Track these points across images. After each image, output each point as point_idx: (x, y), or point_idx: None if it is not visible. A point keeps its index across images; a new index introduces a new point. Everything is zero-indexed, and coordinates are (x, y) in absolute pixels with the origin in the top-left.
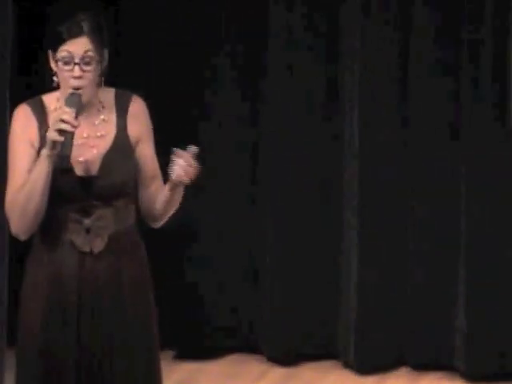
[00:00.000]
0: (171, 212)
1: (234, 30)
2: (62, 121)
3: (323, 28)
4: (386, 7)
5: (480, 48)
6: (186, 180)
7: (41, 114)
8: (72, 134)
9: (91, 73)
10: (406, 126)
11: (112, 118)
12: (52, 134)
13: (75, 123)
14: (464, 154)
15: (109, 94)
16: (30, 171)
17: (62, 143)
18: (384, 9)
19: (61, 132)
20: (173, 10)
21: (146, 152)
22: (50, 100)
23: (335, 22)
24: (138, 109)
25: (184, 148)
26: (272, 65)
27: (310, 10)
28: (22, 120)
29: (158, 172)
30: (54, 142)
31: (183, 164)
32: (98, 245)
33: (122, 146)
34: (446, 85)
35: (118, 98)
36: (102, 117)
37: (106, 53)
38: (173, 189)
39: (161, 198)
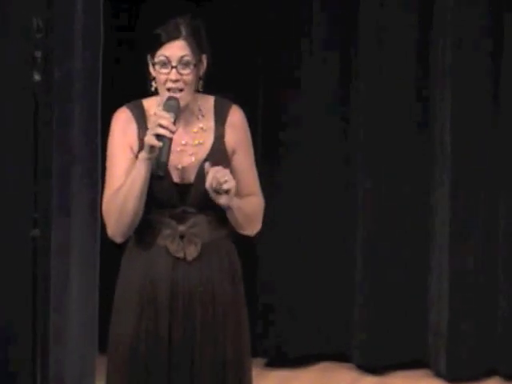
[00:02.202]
0: (244, 224)
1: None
2: (160, 126)
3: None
4: None
5: None
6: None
7: (141, 117)
8: (170, 139)
9: (189, 76)
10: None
11: (210, 126)
12: (150, 139)
13: (173, 129)
14: None
15: (208, 102)
16: (127, 174)
17: (160, 149)
18: None
19: (159, 137)
20: None
21: (242, 163)
22: (150, 104)
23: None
24: (236, 118)
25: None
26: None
27: None
28: (122, 123)
29: (254, 183)
30: (152, 147)
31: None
32: (192, 252)
33: (218, 155)
34: None
35: (217, 106)
36: (200, 125)
37: (204, 57)
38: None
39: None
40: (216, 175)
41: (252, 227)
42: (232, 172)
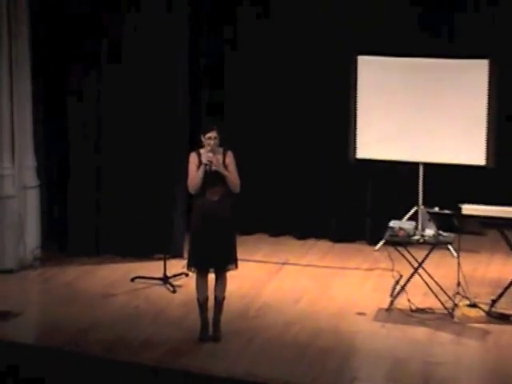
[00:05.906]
0: (231, 184)
1: None
2: (208, 157)
3: None
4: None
5: None
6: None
7: (199, 155)
8: (211, 162)
9: (215, 143)
10: None
11: (220, 157)
12: (204, 160)
13: (212, 158)
14: None
15: (220, 149)
16: (196, 172)
17: (208, 165)
18: None
19: (207, 160)
20: None
21: (231, 168)
22: (203, 151)
23: None
24: (229, 154)
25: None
26: None
27: None
28: (193, 157)
29: (236, 175)
30: (205, 164)
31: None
32: (217, 197)
33: (223, 165)
34: None
35: (223, 150)
36: (218, 156)
37: (218, 138)
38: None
39: None
40: (208, 157)
41: (234, 189)
42: (227, 170)
